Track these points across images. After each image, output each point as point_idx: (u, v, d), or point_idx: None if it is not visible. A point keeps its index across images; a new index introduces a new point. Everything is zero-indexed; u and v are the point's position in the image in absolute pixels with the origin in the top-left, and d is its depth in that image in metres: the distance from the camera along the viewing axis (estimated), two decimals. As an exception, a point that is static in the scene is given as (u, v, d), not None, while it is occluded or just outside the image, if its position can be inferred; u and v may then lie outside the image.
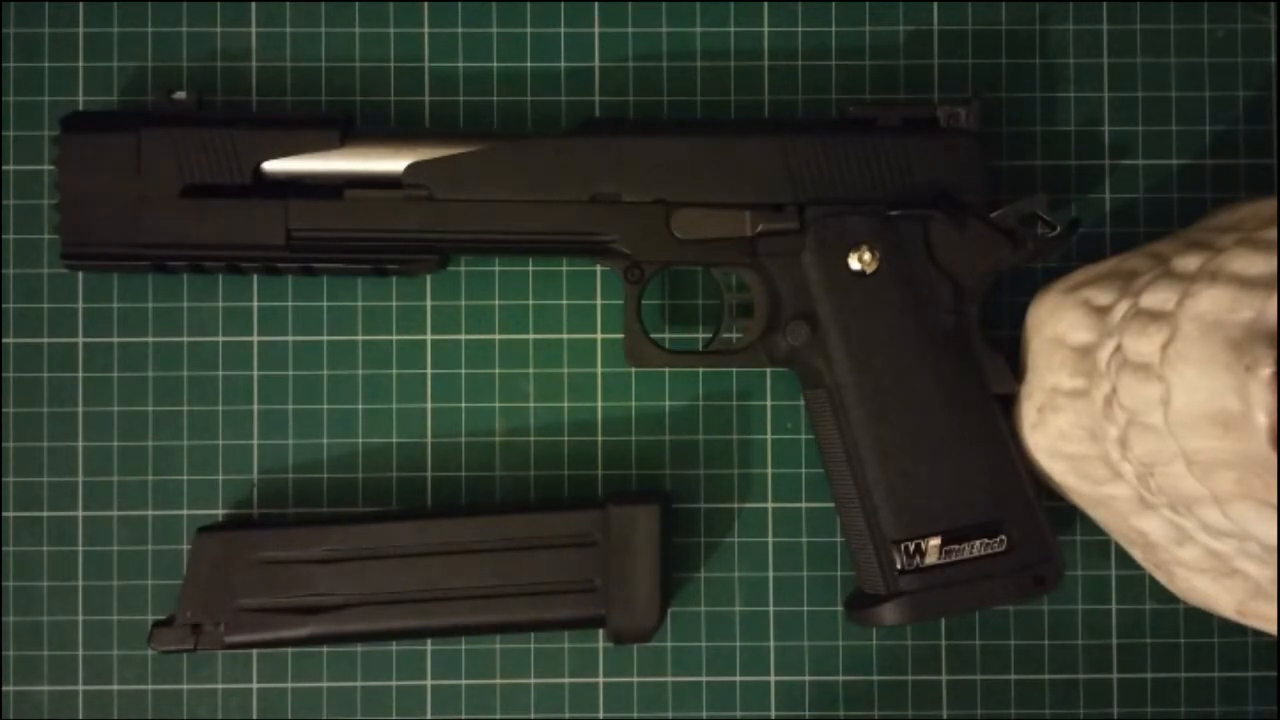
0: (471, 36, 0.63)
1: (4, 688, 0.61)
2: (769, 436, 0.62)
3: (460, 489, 0.62)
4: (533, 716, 0.61)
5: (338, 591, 0.58)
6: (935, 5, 0.63)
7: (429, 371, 0.62)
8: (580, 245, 0.58)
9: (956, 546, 0.56)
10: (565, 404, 0.62)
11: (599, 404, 0.62)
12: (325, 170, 0.58)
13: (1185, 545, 0.54)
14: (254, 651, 0.61)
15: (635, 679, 0.62)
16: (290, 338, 0.62)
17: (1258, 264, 0.49)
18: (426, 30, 0.63)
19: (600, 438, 0.62)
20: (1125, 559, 0.61)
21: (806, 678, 0.62)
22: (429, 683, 0.61)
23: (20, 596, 0.61)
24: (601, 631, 0.61)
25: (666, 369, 0.62)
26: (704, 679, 0.62)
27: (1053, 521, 0.58)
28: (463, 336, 0.62)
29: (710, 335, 0.62)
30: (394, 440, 0.62)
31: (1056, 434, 0.56)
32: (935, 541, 0.56)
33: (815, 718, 0.62)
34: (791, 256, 0.57)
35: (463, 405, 0.62)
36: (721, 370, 0.62)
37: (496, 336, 0.62)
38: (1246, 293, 0.48)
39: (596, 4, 0.63)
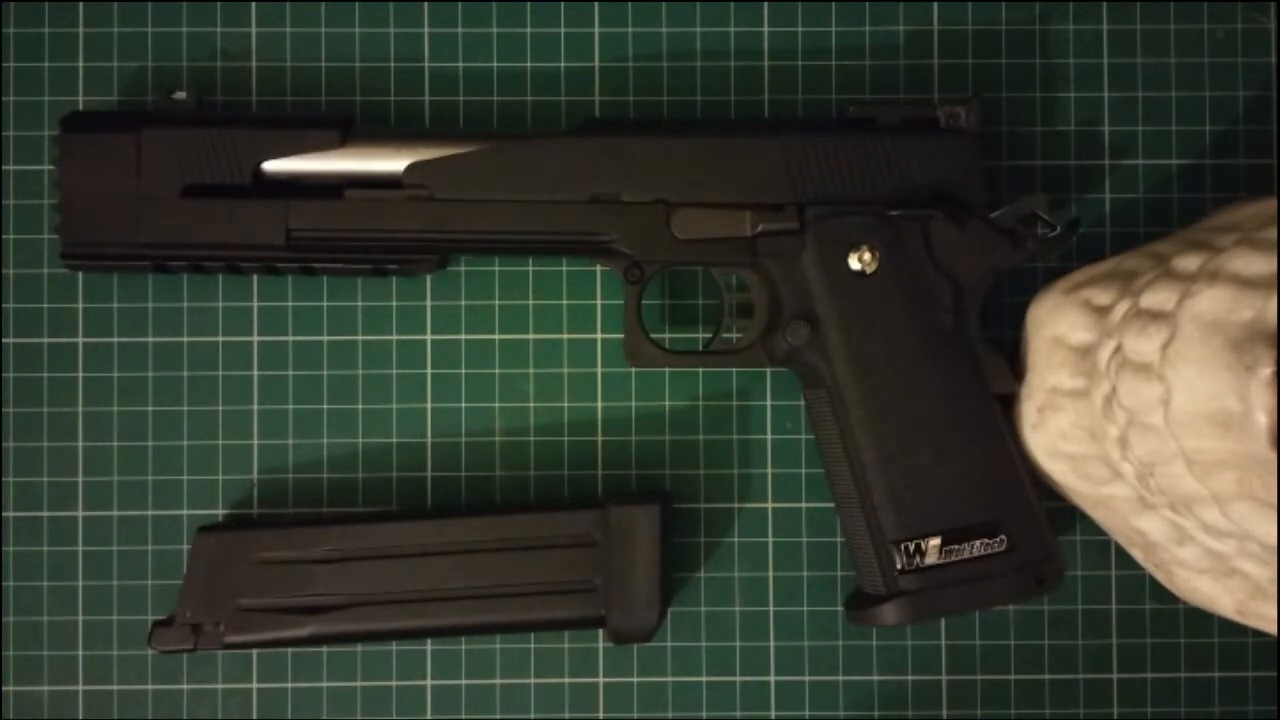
0: (471, 36, 0.63)
1: (4, 688, 0.61)
2: (769, 436, 0.62)
3: (460, 489, 0.62)
4: (533, 716, 0.62)
5: (338, 591, 0.58)
6: (935, 5, 0.63)
7: (429, 371, 0.62)
8: (580, 245, 0.58)
9: (956, 546, 0.56)
10: (565, 404, 0.62)
11: (599, 404, 0.62)
12: (325, 170, 0.58)
13: (1185, 545, 0.54)
14: (254, 651, 0.61)
15: (635, 679, 0.62)
16: (290, 338, 0.62)
17: (1258, 264, 0.49)
18: (426, 30, 0.63)
19: (600, 438, 0.62)
20: (1125, 559, 0.61)
21: (806, 678, 0.62)
22: (429, 683, 0.61)
23: (20, 596, 0.61)
24: (601, 631, 0.61)
25: (666, 369, 0.62)
26: (704, 679, 0.62)
27: (1053, 521, 0.58)
28: (463, 336, 0.62)
29: (710, 335, 0.62)
30: (394, 440, 0.62)
31: (1056, 434, 0.56)
32: (935, 541, 0.56)
33: (815, 718, 0.62)
34: (791, 256, 0.57)
35: (463, 405, 0.62)
36: (721, 370, 0.62)
37: (496, 336, 0.62)
38: (1246, 293, 0.48)
39: (596, 4, 0.63)
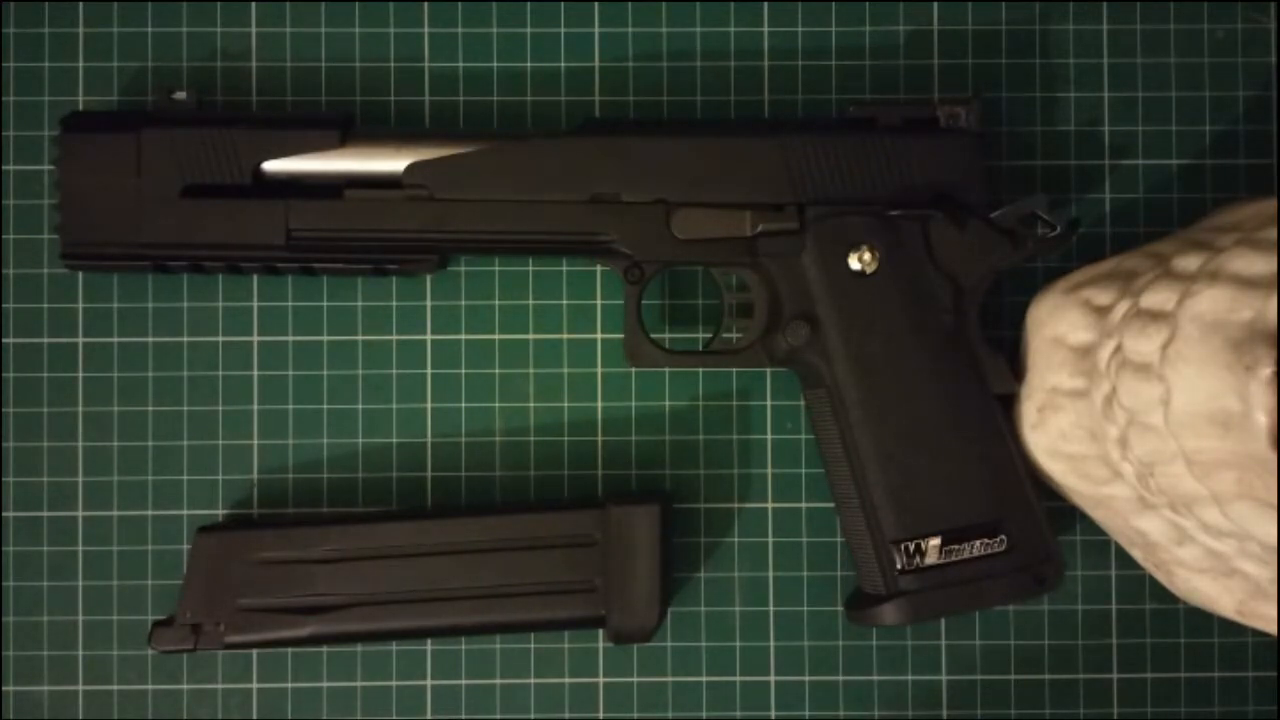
0: (471, 36, 0.63)
1: (4, 688, 0.61)
2: (769, 436, 0.62)
3: (460, 489, 0.62)
4: (533, 716, 0.62)
5: (338, 591, 0.58)
6: (935, 5, 0.63)
7: (429, 371, 0.62)
8: (580, 245, 0.58)
9: (956, 546, 0.56)
10: (565, 404, 0.62)
11: (599, 404, 0.62)
12: (325, 170, 0.58)
13: (1185, 545, 0.54)
14: (254, 651, 0.61)
15: (635, 679, 0.62)
16: (290, 338, 0.62)
17: (1258, 264, 0.49)
18: (426, 30, 0.63)
19: (600, 438, 0.62)
20: (1125, 559, 0.61)
21: (806, 678, 0.62)
22: (429, 683, 0.61)
23: (20, 596, 0.61)
24: (601, 631, 0.61)
25: (666, 369, 0.62)
26: (704, 679, 0.62)
27: (1053, 521, 0.58)
28: (463, 336, 0.62)
29: (710, 335, 0.62)
30: (394, 440, 0.62)
31: (1056, 434, 0.56)
32: (935, 541, 0.56)
33: (815, 718, 0.62)
34: (791, 256, 0.57)
35: (463, 405, 0.62)
36: (721, 370, 0.62)
37: (496, 336, 0.62)
38: (1246, 293, 0.48)
39: (596, 4, 0.63)
